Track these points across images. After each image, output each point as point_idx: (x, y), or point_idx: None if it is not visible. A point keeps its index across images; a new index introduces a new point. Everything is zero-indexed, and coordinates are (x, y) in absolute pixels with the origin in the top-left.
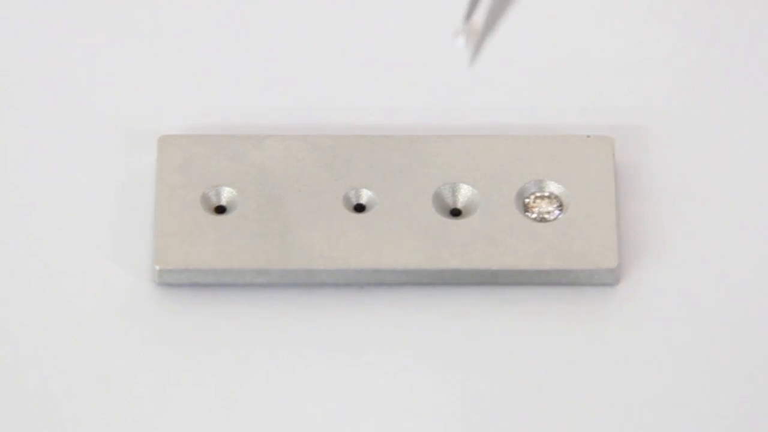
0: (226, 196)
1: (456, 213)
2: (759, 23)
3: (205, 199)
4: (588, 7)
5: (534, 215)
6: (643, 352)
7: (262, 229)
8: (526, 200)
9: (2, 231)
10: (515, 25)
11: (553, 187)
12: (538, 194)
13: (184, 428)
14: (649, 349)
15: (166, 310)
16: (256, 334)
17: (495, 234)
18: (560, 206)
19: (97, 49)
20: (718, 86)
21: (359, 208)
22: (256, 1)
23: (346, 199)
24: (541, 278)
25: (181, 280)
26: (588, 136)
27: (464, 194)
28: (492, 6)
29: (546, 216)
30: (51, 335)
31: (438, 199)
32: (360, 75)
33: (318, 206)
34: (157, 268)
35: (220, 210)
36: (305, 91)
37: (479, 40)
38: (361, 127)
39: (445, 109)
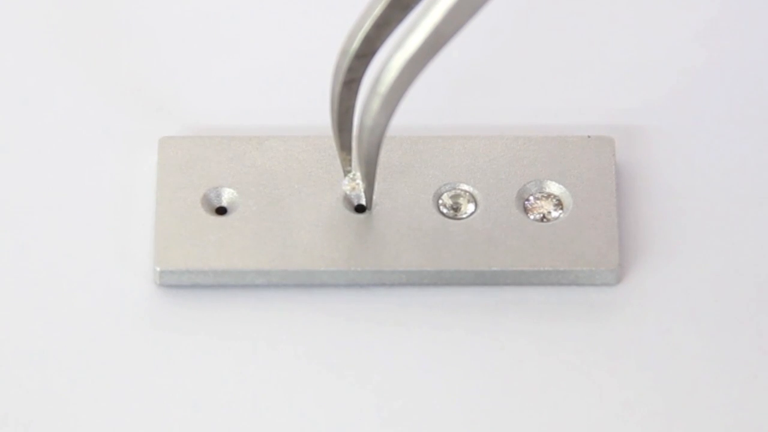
0: (226, 197)
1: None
2: (759, 23)
3: (205, 200)
4: (588, 7)
5: (534, 215)
6: (644, 352)
7: (263, 230)
8: (527, 201)
9: (2, 232)
10: (515, 24)
11: (553, 188)
12: (538, 194)
13: (185, 429)
14: (650, 349)
15: (167, 311)
16: (256, 335)
17: (495, 234)
18: (561, 206)
19: (97, 49)
20: (719, 86)
21: (360, 209)
22: (256, 2)
23: (347, 200)
24: (541, 279)
25: (181, 282)
26: (589, 137)
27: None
28: (364, 147)
29: (546, 216)
30: (51, 336)
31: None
32: None
33: (319, 207)
34: (158, 269)
35: (221, 211)
36: (306, 92)
37: (366, 189)
38: None
39: (445, 109)
